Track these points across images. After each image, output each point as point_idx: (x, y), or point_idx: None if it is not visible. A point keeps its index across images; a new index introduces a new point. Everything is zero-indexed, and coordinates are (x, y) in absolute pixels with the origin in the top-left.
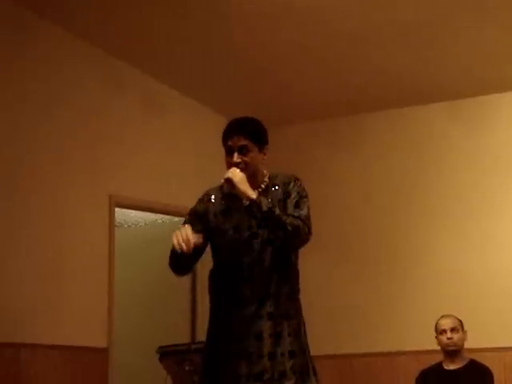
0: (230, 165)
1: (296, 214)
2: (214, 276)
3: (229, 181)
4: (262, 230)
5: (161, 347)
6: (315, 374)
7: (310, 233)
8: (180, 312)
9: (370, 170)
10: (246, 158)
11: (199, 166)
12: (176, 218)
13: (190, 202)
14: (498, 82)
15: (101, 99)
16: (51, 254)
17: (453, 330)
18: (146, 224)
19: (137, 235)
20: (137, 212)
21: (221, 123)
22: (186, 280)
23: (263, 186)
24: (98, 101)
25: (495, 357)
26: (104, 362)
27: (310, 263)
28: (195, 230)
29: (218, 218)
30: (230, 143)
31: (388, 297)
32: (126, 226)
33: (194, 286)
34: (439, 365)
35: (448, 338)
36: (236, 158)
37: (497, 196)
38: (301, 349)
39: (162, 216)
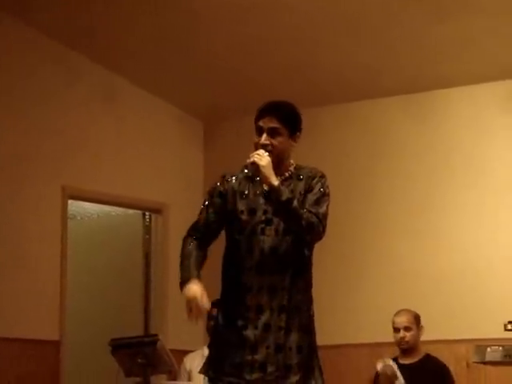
0: (257, 146)
1: (314, 211)
2: (224, 261)
3: (254, 163)
4: (277, 218)
5: (113, 340)
6: (321, 373)
7: (323, 231)
8: (133, 305)
9: (325, 164)
10: (274, 141)
11: (153, 157)
12: (130, 211)
13: (143, 193)
14: (449, 78)
15: (55, 90)
16: (4, 245)
17: (406, 328)
18: (99, 216)
19: (90, 227)
20: (90, 204)
21: (174, 115)
22: (138, 273)
23: (287, 175)
24: (52, 92)
25: (445, 349)
26: (56, 355)
27: None
28: (215, 210)
29: (235, 198)
30: (260, 123)
31: (343, 290)
32: (79, 218)
33: (148, 278)
34: (395, 359)
35: (401, 337)
36: (264, 139)
37: (447, 191)
38: (310, 345)
39: (115, 208)
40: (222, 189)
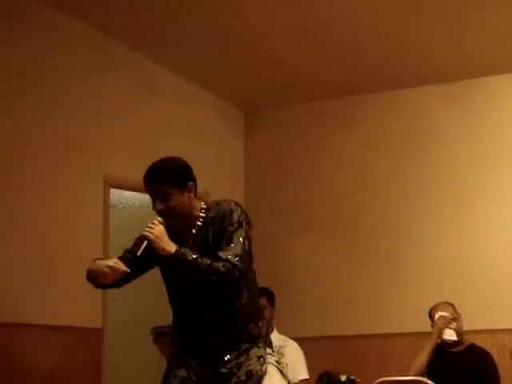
0: (156, 212)
1: (224, 257)
2: None
3: (145, 238)
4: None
5: (155, 327)
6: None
7: (240, 274)
8: None
9: (365, 153)
10: (168, 203)
11: (193, 146)
12: None
13: None
14: (494, 65)
15: (96, 81)
16: (47, 235)
17: (453, 319)
18: (140, 205)
19: (132, 216)
20: (131, 193)
21: (217, 105)
22: None
23: (199, 223)
24: (93, 82)
25: (488, 338)
26: (99, 342)
27: (306, 246)
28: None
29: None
30: (149, 192)
31: (383, 279)
32: (120, 206)
33: None
34: (441, 346)
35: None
36: (158, 205)
37: (490, 179)
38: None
39: None
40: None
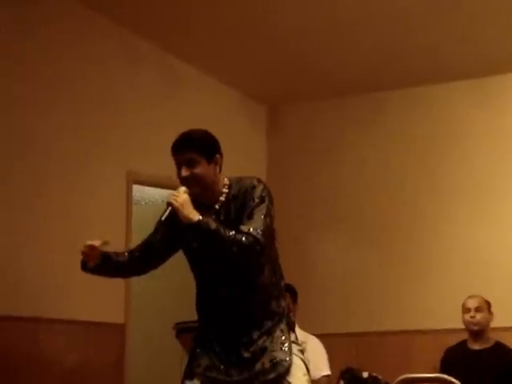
0: (180, 180)
1: (245, 230)
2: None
3: (170, 205)
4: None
5: (178, 323)
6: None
7: (261, 248)
8: None
9: (390, 149)
10: (195, 171)
11: None
12: None
13: None
14: None
15: (120, 75)
16: (70, 231)
17: (477, 309)
18: (163, 201)
19: (155, 212)
20: (154, 189)
21: (241, 101)
22: None
23: (222, 199)
24: (116, 77)
25: None
26: (121, 338)
27: (330, 243)
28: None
29: (185, 233)
30: (177, 158)
31: (406, 276)
32: (143, 203)
33: None
34: (464, 343)
35: (471, 317)
36: (184, 171)
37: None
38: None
39: None
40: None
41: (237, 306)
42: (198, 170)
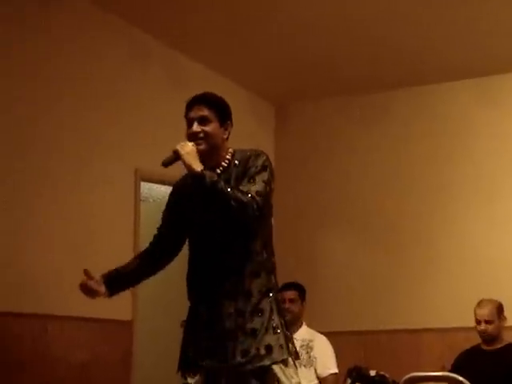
0: (189, 136)
1: (245, 189)
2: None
3: (176, 152)
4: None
5: (184, 321)
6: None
7: (258, 209)
8: None
9: (396, 148)
10: (206, 128)
11: None
12: None
13: None
14: None
15: (126, 72)
16: (78, 228)
17: (487, 321)
18: None
19: (162, 210)
20: (162, 186)
21: (248, 99)
22: None
23: (225, 164)
24: (123, 74)
25: None
26: (129, 335)
27: (336, 242)
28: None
29: (183, 203)
30: (190, 114)
31: (414, 274)
32: (151, 200)
33: None
34: (478, 345)
35: (482, 330)
36: (196, 127)
37: None
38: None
39: None
40: (170, 202)
41: (227, 271)
42: (209, 128)
